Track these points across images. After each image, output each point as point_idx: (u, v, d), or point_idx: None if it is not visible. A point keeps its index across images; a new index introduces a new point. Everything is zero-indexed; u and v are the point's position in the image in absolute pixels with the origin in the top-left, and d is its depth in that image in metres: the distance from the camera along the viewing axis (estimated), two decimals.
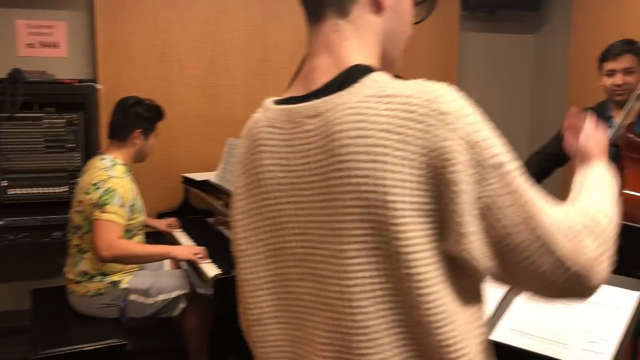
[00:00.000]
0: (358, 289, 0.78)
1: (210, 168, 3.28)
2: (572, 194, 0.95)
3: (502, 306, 1.32)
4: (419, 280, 0.75)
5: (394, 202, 0.74)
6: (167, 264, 2.97)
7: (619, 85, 2.55)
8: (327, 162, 0.79)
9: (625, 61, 2.53)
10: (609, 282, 1.26)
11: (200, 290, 2.50)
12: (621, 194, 2.33)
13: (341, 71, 0.84)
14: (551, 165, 2.89)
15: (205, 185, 3.13)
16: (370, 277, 0.77)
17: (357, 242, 0.77)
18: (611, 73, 2.57)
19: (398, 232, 0.74)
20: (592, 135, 1.16)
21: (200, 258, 2.56)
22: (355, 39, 0.87)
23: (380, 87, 0.79)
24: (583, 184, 0.98)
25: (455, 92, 0.77)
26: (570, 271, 0.78)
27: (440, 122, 0.74)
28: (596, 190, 0.95)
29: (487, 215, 0.75)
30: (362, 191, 0.76)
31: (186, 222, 3.23)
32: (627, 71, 2.54)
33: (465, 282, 0.80)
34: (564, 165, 2.86)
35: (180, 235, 3.08)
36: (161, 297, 2.65)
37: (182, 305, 2.70)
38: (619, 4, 3.31)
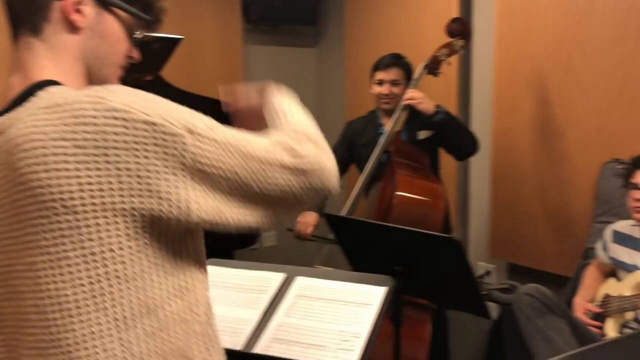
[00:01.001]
0: (50, 301, 0.79)
1: None
2: (270, 124, 1.02)
3: (265, 318, 1.34)
4: (117, 277, 0.78)
5: (79, 206, 0.75)
6: None
7: (386, 95, 2.76)
8: (10, 177, 0.80)
9: (393, 73, 2.75)
10: (360, 280, 1.34)
11: None
12: (394, 197, 2.52)
13: (25, 88, 0.84)
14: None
15: None
16: (59, 289, 0.78)
17: (43, 254, 0.78)
18: (380, 82, 2.77)
19: (90, 232, 0.76)
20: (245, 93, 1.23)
21: None
22: (48, 58, 0.87)
23: (52, 98, 0.80)
24: (272, 112, 1.05)
25: (119, 87, 0.80)
26: (303, 168, 0.88)
27: (110, 118, 0.76)
28: (283, 112, 1.03)
29: (205, 176, 0.80)
30: (45, 201, 0.76)
31: None
32: (393, 83, 2.76)
33: (174, 280, 0.83)
34: (348, 171, 3.02)
35: None
36: None
37: None
38: (385, 21, 3.62)
